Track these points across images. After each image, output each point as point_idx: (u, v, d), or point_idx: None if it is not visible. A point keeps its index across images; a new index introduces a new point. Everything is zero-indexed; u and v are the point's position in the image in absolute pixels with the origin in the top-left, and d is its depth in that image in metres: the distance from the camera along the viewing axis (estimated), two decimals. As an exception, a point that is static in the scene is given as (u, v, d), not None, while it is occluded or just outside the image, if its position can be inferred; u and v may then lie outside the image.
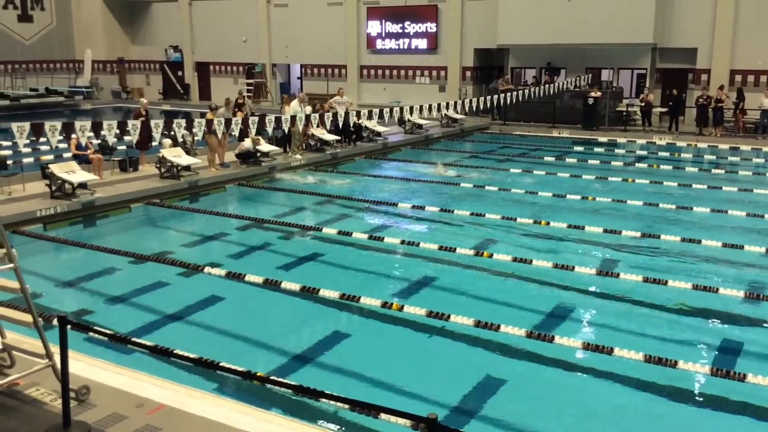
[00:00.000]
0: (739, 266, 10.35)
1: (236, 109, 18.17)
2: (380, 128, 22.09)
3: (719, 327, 8.27)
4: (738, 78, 25.32)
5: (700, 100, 23.91)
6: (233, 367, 6.27)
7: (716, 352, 7.57)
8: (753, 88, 24.50)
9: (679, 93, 24.61)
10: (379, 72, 33.55)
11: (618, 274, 9.65)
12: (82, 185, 13.39)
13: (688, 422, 6.17)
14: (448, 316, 8.00)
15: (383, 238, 11.64)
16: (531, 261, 10.09)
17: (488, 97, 21.69)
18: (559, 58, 28.61)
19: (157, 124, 13.14)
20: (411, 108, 18.60)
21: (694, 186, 15.84)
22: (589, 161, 19.61)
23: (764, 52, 24.63)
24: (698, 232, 11.75)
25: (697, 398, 6.57)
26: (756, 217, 12.88)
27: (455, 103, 20.32)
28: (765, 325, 8.28)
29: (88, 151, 14.80)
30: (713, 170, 18.36)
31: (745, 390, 6.50)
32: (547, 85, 24.93)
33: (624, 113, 25.84)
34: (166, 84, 39.76)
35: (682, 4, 25.87)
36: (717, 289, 8.90)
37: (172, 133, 13.97)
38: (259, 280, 9.29)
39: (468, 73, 31.27)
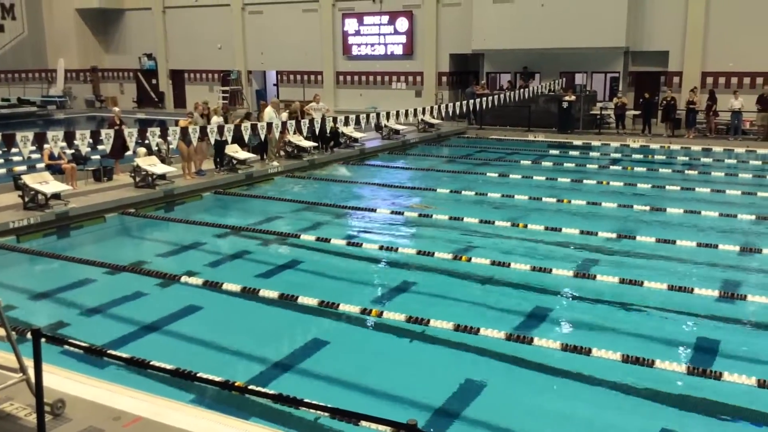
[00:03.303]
0: (713, 266, 10.48)
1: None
2: (357, 134, 22.12)
3: (695, 326, 8.35)
4: (709, 80, 25.73)
5: (665, 102, 24.26)
6: (211, 377, 6.20)
7: (692, 351, 7.66)
8: (724, 89, 24.89)
9: (651, 96, 24.92)
10: (356, 78, 33.59)
11: (595, 276, 9.73)
12: (56, 196, 13.21)
13: (665, 420, 6.21)
14: (428, 321, 8.01)
15: (361, 244, 11.63)
16: (509, 264, 10.13)
17: (464, 102, 21.79)
18: (533, 63, 28.86)
19: (131, 133, 13.01)
20: (388, 113, 18.64)
21: (667, 187, 16.04)
22: (565, 164, 19.78)
23: (734, 54, 25.05)
24: (672, 233, 11.89)
25: (674, 397, 6.62)
26: (729, 217, 13.07)
27: (432, 108, 20.39)
28: (740, 323, 8.38)
29: (62, 161, 14.61)
30: (686, 171, 18.61)
31: (722, 388, 6.57)
32: (522, 90, 25.12)
33: (598, 116, 26.12)
34: (140, 92, 39.48)
35: (654, 8, 26.24)
36: (692, 289, 9.01)
37: (147, 141, 13.83)
38: (237, 288, 9.22)
39: (444, 78, 31.41)
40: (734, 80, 25.31)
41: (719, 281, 9.77)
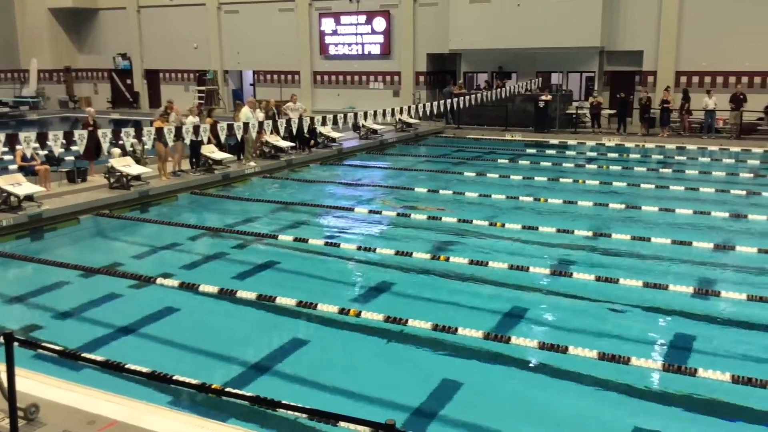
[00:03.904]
0: (688, 263, 10.61)
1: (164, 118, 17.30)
2: (335, 134, 22.08)
3: (670, 323, 8.45)
4: (683, 79, 26.06)
5: (642, 101, 24.56)
6: (188, 379, 6.15)
7: (668, 348, 7.74)
8: (697, 88, 25.23)
9: (626, 95, 25.19)
10: (333, 78, 33.53)
11: (571, 274, 9.79)
12: (29, 198, 13.02)
13: (642, 417, 6.27)
14: (406, 321, 8.00)
15: (339, 244, 11.60)
16: (487, 263, 10.16)
17: (442, 102, 21.86)
18: (510, 63, 29.02)
19: (104, 134, 12.85)
20: (365, 113, 18.62)
21: (642, 185, 16.20)
22: (542, 163, 19.90)
23: (708, 53, 25.40)
24: (648, 231, 12.02)
25: (650, 393, 6.69)
26: (702, 214, 13.23)
27: (409, 107, 20.42)
28: (715, 319, 8.48)
29: (34, 163, 14.40)
30: (661, 170, 18.82)
31: (697, 384, 6.65)
32: (499, 89, 25.25)
33: (574, 116, 26.33)
34: (114, 92, 39.09)
35: (628, 9, 26.52)
36: (667, 286, 9.09)
37: (121, 142, 13.68)
38: (214, 290, 9.15)
39: (421, 78, 31.47)
40: (707, 79, 25.67)
41: (694, 278, 9.88)
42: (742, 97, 23.35)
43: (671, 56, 26.08)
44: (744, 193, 15.35)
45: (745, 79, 24.93)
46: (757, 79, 25.00)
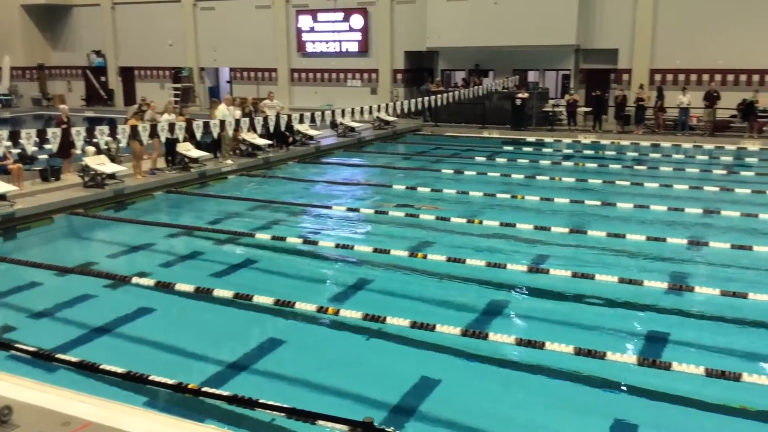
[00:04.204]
0: (662, 259, 10.73)
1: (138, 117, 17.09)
2: (313, 132, 22.02)
3: (645, 318, 8.53)
4: (657, 77, 26.36)
5: (617, 99, 24.80)
6: (164, 380, 6.11)
7: (643, 342, 7.82)
8: (672, 86, 25.55)
9: (602, 93, 25.42)
10: (310, 75, 33.43)
11: (548, 270, 9.85)
12: (2, 197, 12.82)
13: (617, 411, 6.34)
14: (384, 318, 8.00)
15: (317, 242, 11.57)
16: (465, 260, 10.19)
17: (419, 99, 21.88)
18: (487, 60, 29.15)
19: (78, 132, 12.68)
20: (343, 111, 18.59)
21: (617, 182, 16.36)
22: (518, 160, 20.02)
23: (682, 51, 25.72)
24: (623, 227, 12.13)
25: (625, 387, 6.76)
26: (676, 210, 13.39)
27: (387, 105, 20.41)
28: (688, 314, 8.58)
29: (7, 161, 14.19)
30: (635, 167, 19.02)
31: (672, 377, 6.73)
32: (476, 87, 25.34)
33: (550, 113, 26.52)
34: (89, 90, 38.60)
35: (604, 7, 26.76)
36: (642, 282, 9.19)
37: (95, 140, 13.51)
38: (190, 289, 9.07)
39: (399, 76, 31.49)
40: (681, 77, 25.98)
41: (668, 274, 10.00)
42: (715, 94, 23.67)
43: (646, 54, 26.37)
44: (717, 189, 15.56)
45: (718, 77, 25.29)
46: (731, 77, 25.36)
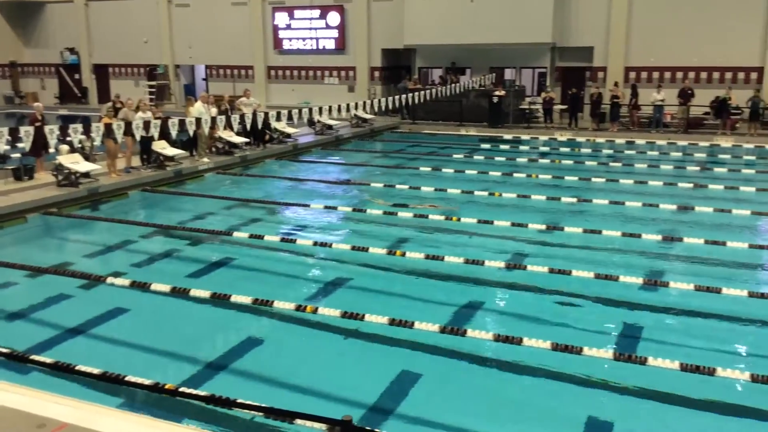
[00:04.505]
0: (637, 254, 10.85)
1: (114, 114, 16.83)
2: (290, 130, 21.93)
3: (621, 313, 8.62)
4: (632, 75, 26.63)
5: (592, 97, 25.03)
6: (140, 380, 6.05)
7: (619, 337, 7.90)
8: (646, 84, 25.82)
9: (577, 90, 25.63)
10: (287, 73, 33.29)
11: (525, 266, 9.92)
12: (-28, 196, 12.62)
13: (595, 405, 6.40)
14: (363, 316, 7.99)
15: (296, 240, 11.53)
16: (443, 257, 10.22)
17: (397, 97, 21.88)
18: (464, 58, 29.24)
19: (52, 130, 12.50)
20: (320, 109, 18.53)
21: (593, 179, 16.51)
22: (496, 158, 20.12)
23: (656, 49, 26.01)
24: (599, 223, 12.24)
25: (601, 382, 6.82)
26: (651, 207, 13.55)
27: (364, 103, 20.40)
28: (663, 309, 8.69)
29: (-22, 160, 13.95)
30: (611, 164, 19.20)
31: (647, 372, 6.81)
32: (453, 85, 25.41)
33: (527, 111, 26.66)
34: (62, 88, 38.10)
35: (579, 5, 26.98)
36: (617, 277, 9.28)
37: (69, 138, 13.32)
38: (166, 288, 8.99)
39: (376, 73, 31.48)
40: (656, 75, 26.28)
41: (643, 269, 10.11)
42: (690, 92, 23.97)
43: (621, 52, 26.63)
44: (691, 186, 15.77)
45: (692, 75, 25.63)
46: (704, 75, 25.70)
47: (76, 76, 37.87)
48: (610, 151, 21.67)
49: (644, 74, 26.58)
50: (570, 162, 19.48)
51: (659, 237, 11.45)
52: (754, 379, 6.52)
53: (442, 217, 12.76)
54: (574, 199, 14.27)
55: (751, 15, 24.65)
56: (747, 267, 10.37)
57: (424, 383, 6.85)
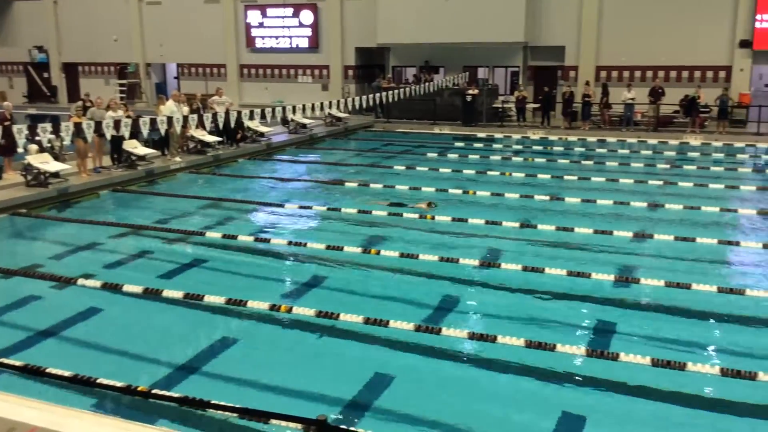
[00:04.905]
0: (609, 251, 10.97)
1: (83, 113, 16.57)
2: (263, 128, 21.80)
3: (593, 310, 8.70)
4: (603, 74, 26.93)
5: (564, 96, 25.28)
6: (112, 382, 5.98)
7: (591, 334, 7.98)
8: (617, 83, 26.13)
9: (549, 89, 25.84)
10: (260, 71, 33.11)
11: (499, 264, 9.98)
12: (-63, 197, 12.36)
13: (568, 401, 6.46)
14: (338, 315, 7.98)
15: (270, 239, 11.48)
16: (417, 256, 10.24)
17: (371, 96, 21.87)
18: (437, 57, 29.33)
19: (20, 129, 12.28)
20: (294, 107, 18.44)
21: (566, 177, 16.66)
22: (470, 156, 20.21)
23: (626, 49, 26.34)
24: (571, 221, 12.36)
25: (575, 378, 6.89)
26: (622, 204, 13.71)
27: (338, 101, 20.35)
28: (635, 306, 8.79)
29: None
30: (583, 162, 19.39)
31: (619, 368, 6.89)
32: (427, 84, 25.47)
33: (500, 109, 26.82)
34: (31, 87, 37.44)
35: (551, 5, 27.21)
36: (590, 274, 9.37)
37: (38, 138, 13.10)
38: (138, 289, 8.89)
39: (350, 72, 31.43)
40: (626, 74, 26.61)
41: (615, 266, 10.23)
42: (660, 90, 24.31)
43: (592, 52, 26.91)
44: (661, 183, 15.99)
45: (662, 74, 26.00)
46: (673, 74, 26.10)
47: (45, 75, 37.28)
48: (582, 149, 21.90)
49: (615, 73, 26.90)
50: (543, 160, 19.64)
51: (630, 234, 11.58)
52: (724, 372, 6.64)
53: (416, 216, 12.78)
54: (547, 197, 14.39)
55: (720, 15, 25.09)
56: (716, 263, 10.54)
57: (399, 382, 6.86)
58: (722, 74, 25.52)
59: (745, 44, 24.85)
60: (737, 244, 11.24)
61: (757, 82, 26.10)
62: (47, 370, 6.34)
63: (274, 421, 5.36)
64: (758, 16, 24.43)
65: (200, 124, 16.77)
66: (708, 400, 6.49)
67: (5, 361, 6.80)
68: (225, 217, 13.48)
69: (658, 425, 6.16)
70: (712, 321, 8.35)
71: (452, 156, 20.40)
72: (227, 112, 16.57)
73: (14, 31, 37.75)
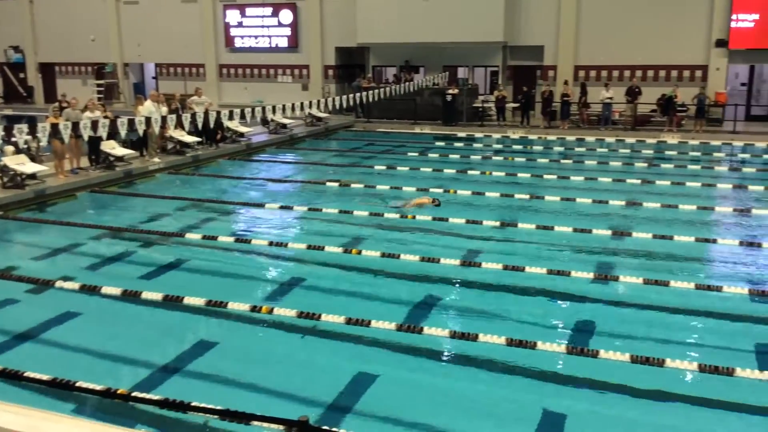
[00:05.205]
0: (588, 249, 11.06)
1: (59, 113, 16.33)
2: (243, 129, 21.68)
3: (573, 307, 8.78)
4: (582, 73, 27.13)
5: (543, 95, 25.45)
6: (92, 386, 5.92)
7: (571, 331, 8.04)
8: (595, 82, 26.34)
9: (529, 89, 25.99)
10: (240, 71, 32.94)
11: (480, 264, 10.02)
12: None
13: (549, 398, 6.50)
14: (319, 316, 7.98)
15: (250, 240, 11.43)
16: (398, 255, 10.25)
17: (351, 95, 21.85)
18: (418, 57, 29.36)
19: (-5, 130, 12.13)
20: (274, 107, 18.37)
21: (545, 176, 16.77)
22: (450, 156, 20.27)
23: (604, 48, 26.56)
24: (551, 219, 12.44)
25: (556, 375, 6.93)
26: (601, 203, 13.83)
27: (319, 101, 20.31)
28: (613, 303, 8.86)
29: None
30: (562, 161, 19.53)
31: (599, 365, 6.95)
32: (407, 83, 25.50)
33: (480, 109, 26.92)
34: (6, 87, 36.97)
35: (530, 5, 27.36)
36: (569, 272, 9.44)
37: (14, 139, 12.94)
38: (117, 291, 8.82)
39: (330, 72, 31.37)
40: (604, 73, 26.83)
41: (594, 264, 10.32)
42: (637, 90, 24.55)
43: (570, 51, 27.11)
44: (639, 182, 16.14)
45: (639, 73, 26.25)
46: (650, 73, 26.36)
47: (21, 75, 36.80)
48: (561, 149, 22.05)
49: (593, 73, 27.11)
50: (522, 159, 19.75)
51: (609, 232, 11.69)
52: (702, 369, 6.73)
53: (397, 215, 12.80)
54: (527, 196, 14.47)
55: (696, 14, 25.37)
56: (694, 260, 10.66)
57: (381, 381, 6.86)
58: (699, 73, 25.82)
59: (721, 43, 25.16)
60: (714, 241, 11.39)
61: (733, 81, 26.46)
62: (25, 374, 6.26)
63: (255, 423, 5.33)
64: (734, 16, 24.74)
65: (179, 125, 16.65)
66: (686, 396, 6.54)
67: (-19, 365, 6.71)
68: (204, 217, 13.39)
69: (637, 422, 6.22)
70: (689, 317, 8.43)
71: (433, 155, 20.45)
72: (206, 112, 16.48)
73: (-11, 31, 37.25)
